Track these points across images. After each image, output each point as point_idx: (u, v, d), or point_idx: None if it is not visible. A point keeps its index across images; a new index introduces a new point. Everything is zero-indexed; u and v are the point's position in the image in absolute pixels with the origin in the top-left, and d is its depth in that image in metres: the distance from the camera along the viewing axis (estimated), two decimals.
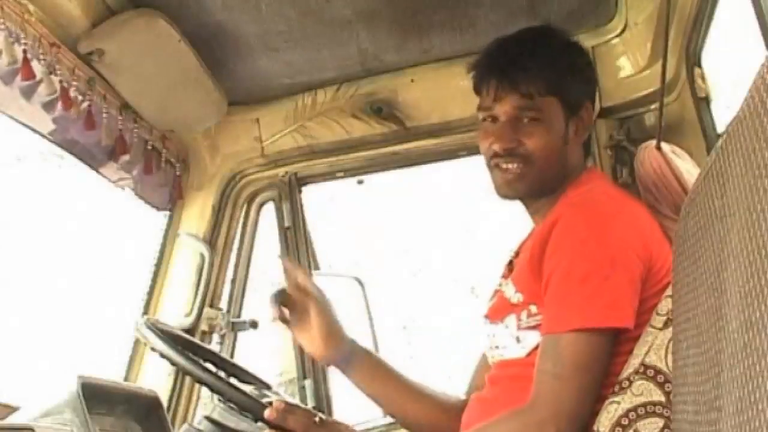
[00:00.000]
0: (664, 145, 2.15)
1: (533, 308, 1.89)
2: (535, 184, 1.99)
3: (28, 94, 2.09)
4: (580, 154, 2.06)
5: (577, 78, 2.03)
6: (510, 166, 1.97)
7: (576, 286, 1.79)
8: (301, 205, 2.86)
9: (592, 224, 1.84)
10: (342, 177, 2.89)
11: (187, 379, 2.59)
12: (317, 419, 1.85)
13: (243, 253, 2.87)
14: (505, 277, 2.05)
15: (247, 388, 2.03)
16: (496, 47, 2.04)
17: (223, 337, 2.79)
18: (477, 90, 2.05)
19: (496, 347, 1.98)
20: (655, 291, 1.82)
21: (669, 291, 1.70)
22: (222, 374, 1.99)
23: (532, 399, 1.80)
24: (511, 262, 2.08)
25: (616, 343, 1.82)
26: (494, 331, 1.99)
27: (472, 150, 2.49)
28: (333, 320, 2.13)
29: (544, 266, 1.85)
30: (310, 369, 2.76)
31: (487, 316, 2.03)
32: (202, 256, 2.75)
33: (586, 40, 2.54)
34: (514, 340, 1.93)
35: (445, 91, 2.63)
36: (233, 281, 2.86)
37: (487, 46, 2.06)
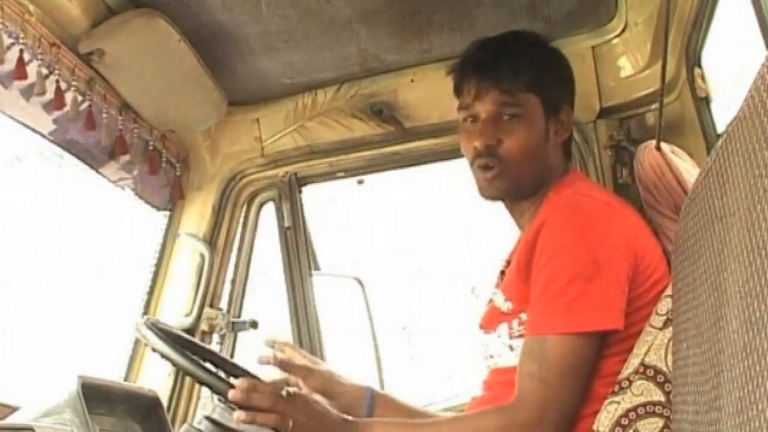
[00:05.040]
0: (664, 145, 2.15)
1: (524, 316, 1.89)
2: (515, 182, 2.00)
3: (27, 94, 2.09)
4: (560, 157, 2.07)
5: (557, 78, 2.05)
6: (490, 164, 1.98)
7: (560, 289, 1.80)
8: (301, 205, 2.86)
9: (575, 227, 1.85)
10: (342, 177, 2.89)
11: (187, 379, 2.59)
12: (285, 392, 1.80)
13: (243, 253, 2.87)
14: (497, 286, 2.06)
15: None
16: (476, 48, 2.07)
17: (223, 337, 2.79)
18: (458, 90, 2.07)
19: (491, 356, 1.99)
20: (646, 288, 1.83)
21: (669, 291, 1.70)
22: (222, 374, 1.99)
23: (517, 399, 1.80)
24: (503, 272, 2.09)
25: (610, 343, 1.82)
26: (488, 340, 2.00)
27: None
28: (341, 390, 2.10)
29: (531, 271, 1.86)
30: None
31: (480, 326, 2.03)
32: (202, 256, 2.75)
33: (586, 40, 2.54)
34: (507, 349, 1.93)
35: (445, 91, 2.60)
36: (233, 281, 2.85)
37: (466, 49, 2.09)
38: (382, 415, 2.10)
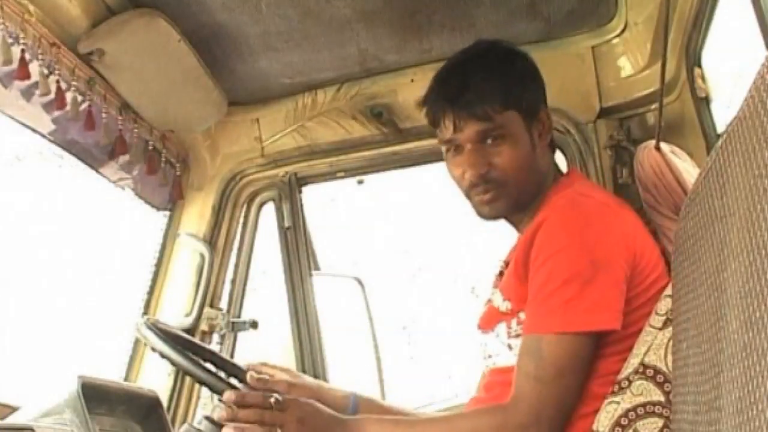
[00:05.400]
0: (664, 146, 2.15)
1: (522, 316, 1.89)
2: (513, 199, 1.99)
3: (27, 94, 2.09)
4: (549, 157, 2.07)
5: (528, 84, 2.02)
6: (487, 189, 1.97)
7: (558, 289, 1.79)
8: (301, 205, 2.86)
9: (573, 228, 1.84)
10: (342, 177, 2.88)
11: (187, 379, 2.59)
12: (273, 400, 1.80)
13: (243, 253, 2.87)
14: (495, 286, 2.06)
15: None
16: (442, 77, 2.03)
17: (223, 337, 2.79)
18: (434, 123, 2.03)
19: (489, 356, 1.99)
20: (644, 287, 1.83)
21: (669, 291, 1.70)
22: (222, 374, 2.00)
23: (513, 398, 1.80)
24: (501, 273, 2.09)
25: (608, 342, 1.82)
26: (486, 340, 2.00)
27: None
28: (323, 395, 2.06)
29: (529, 270, 1.86)
30: (310, 369, 2.76)
31: (479, 327, 2.03)
32: (202, 256, 2.75)
33: (586, 40, 2.54)
34: (505, 348, 1.94)
35: None
36: (233, 281, 2.85)
37: (433, 78, 2.05)
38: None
